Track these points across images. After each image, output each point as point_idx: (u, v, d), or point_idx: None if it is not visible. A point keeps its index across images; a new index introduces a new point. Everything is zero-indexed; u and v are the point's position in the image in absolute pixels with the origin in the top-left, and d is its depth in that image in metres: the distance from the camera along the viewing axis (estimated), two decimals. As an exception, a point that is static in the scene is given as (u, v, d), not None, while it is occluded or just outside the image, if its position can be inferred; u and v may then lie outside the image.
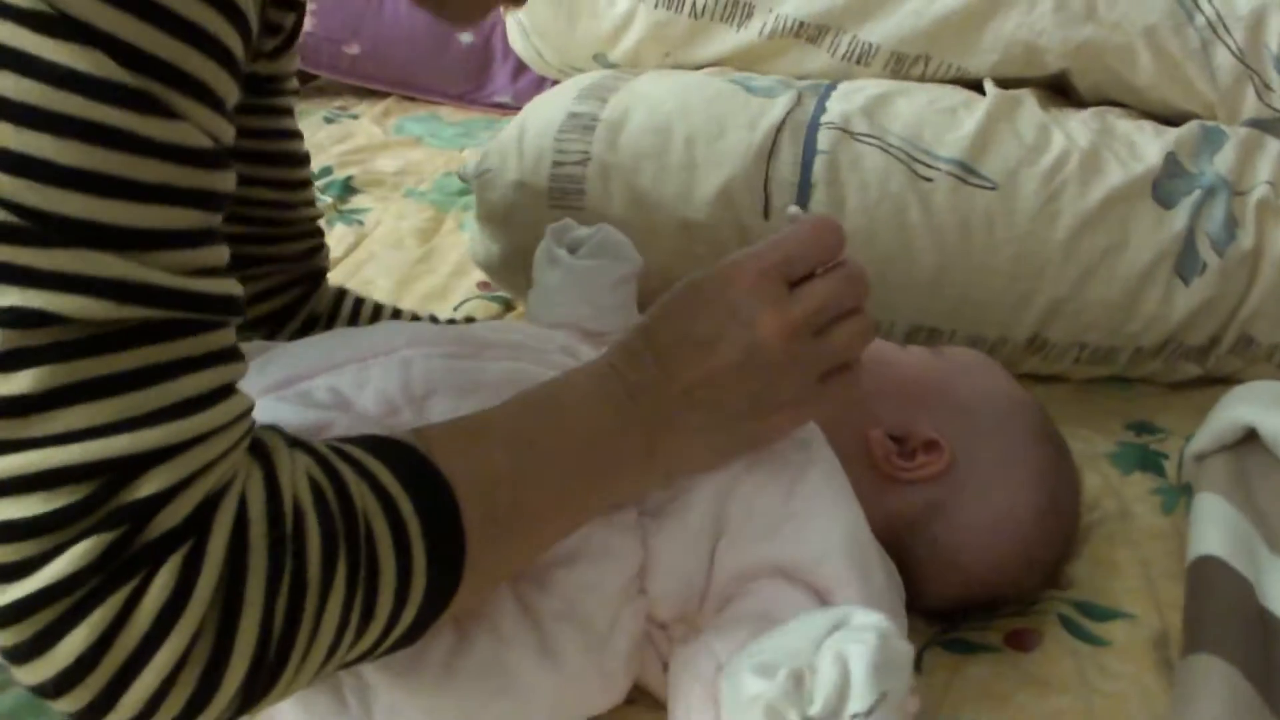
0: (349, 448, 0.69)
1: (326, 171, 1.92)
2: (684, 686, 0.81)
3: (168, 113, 0.58)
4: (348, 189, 1.87)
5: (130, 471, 0.58)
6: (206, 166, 0.61)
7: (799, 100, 1.33)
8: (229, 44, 0.61)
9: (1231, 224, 1.24)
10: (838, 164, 1.27)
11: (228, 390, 0.63)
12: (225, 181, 0.63)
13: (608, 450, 0.80)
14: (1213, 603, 0.92)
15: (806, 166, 1.28)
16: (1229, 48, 1.34)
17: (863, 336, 0.84)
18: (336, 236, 1.71)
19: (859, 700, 0.67)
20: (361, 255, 1.68)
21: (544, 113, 1.38)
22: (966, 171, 1.27)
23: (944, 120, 1.30)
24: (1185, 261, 1.25)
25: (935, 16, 1.42)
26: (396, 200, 1.84)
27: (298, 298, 1.14)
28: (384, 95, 2.26)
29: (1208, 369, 1.31)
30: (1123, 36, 1.37)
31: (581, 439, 0.80)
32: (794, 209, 0.89)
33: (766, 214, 1.28)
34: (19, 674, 0.60)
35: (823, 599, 0.82)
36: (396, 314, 1.21)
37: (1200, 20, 1.35)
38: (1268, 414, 1.09)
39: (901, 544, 0.93)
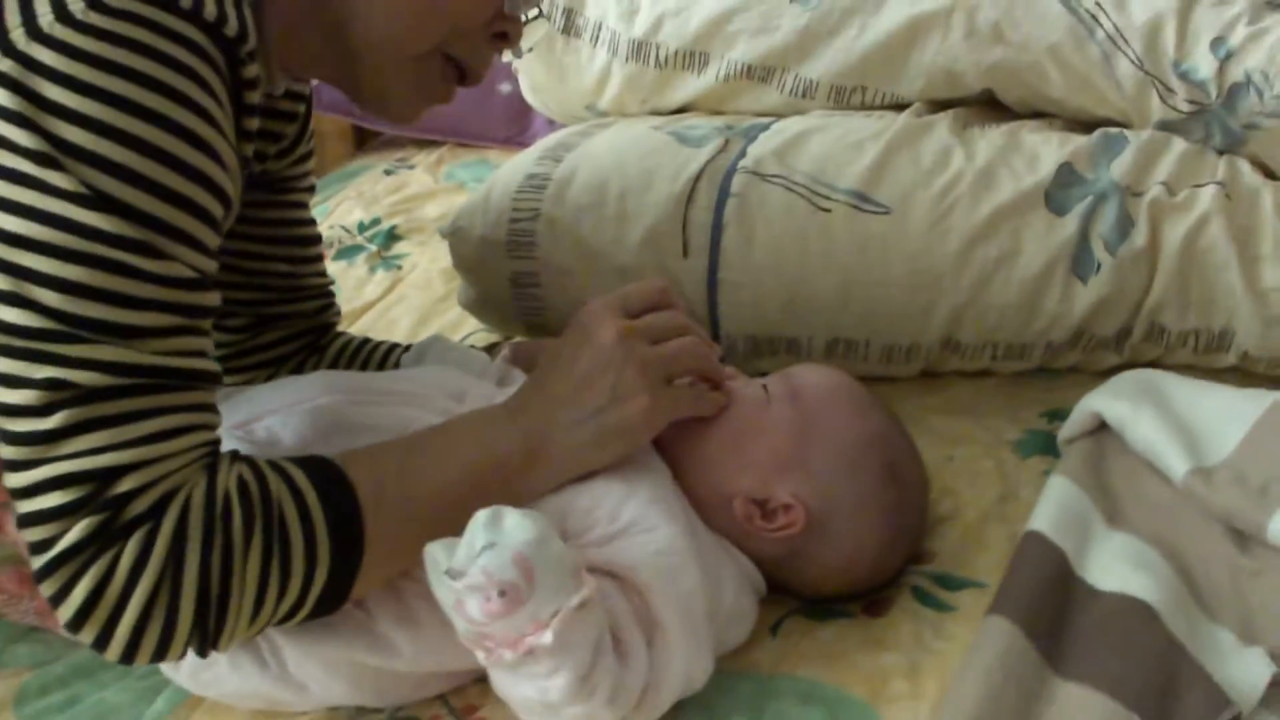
0: (282, 461, 0.96)
1: (375, 222, 2.12)
2: None
3: (161, 255, 0.88)
4: (391, 237, 2.07)
5: (112, 477, 0.86)
6: (188, 289, 0.91)
7: (724, 147, 1.52)
8: (211, 209, 0.92)
9: (1125, 224, 1.38)
10: (747, 204, 1.44)
11: (188, 429, 0.91)
12: (206, 298, 0.93)
13: (488, 456, 1.03)
14: (1020, 573, 1.07)
15: (719, 209, 1.45)
16: (1129, 58, 1.50)
17: (692, 350, 1.08)
18: (376, 281, 1.93)
19: (471, 545, 0.88)
20: (393, 298, 1.87)
21: (508, 174, 1.59)
22: (862, 200, 1.43)
23: (848, 154, 1.47)
24: (1080, 262, 1.38)
25: (862, 51, 1.62)
26: (434, 243, 1.98)
27: (306, 344, 1.40)
28: (440, 144, 2.46)
29: (1126, 358, 1.42)
30: (1030, 56, 1.54)
31: (464, 447, 1.03)
32: None
33: (685, 253, 1.45)
34: (57, 614, 0.89)
35: (641, 595, 0.99)
36: (405, 348, 1.40)
37: (1100, 34, 1.51)
38: (1115, 403, 1.25)
39: (767, 570, 1.10)
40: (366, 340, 1.42)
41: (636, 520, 1.03)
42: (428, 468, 1.01)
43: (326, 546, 0.93)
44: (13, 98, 0.85)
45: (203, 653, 0.92)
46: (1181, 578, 1.09)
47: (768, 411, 1.11)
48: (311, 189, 1.39)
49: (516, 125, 2.35)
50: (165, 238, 0.89)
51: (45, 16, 0.86)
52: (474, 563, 0.86)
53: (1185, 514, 1.17)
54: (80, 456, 0.86)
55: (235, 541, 0.89)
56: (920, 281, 1.41)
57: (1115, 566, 1.09)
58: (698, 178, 1.48)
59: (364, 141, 2.66)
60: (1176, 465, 1.18)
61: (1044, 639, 1.00)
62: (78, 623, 0.88)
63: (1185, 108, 1.49)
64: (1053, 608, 1.04)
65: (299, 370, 1.40)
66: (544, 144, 1.64)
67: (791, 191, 1.45)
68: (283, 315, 1.38)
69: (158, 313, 0.89)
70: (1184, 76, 1.49)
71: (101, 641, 0.89)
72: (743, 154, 1.50)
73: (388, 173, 2.38)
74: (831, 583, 1.12)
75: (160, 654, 0.90)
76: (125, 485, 0.87)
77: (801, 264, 1.42)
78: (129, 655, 0.89)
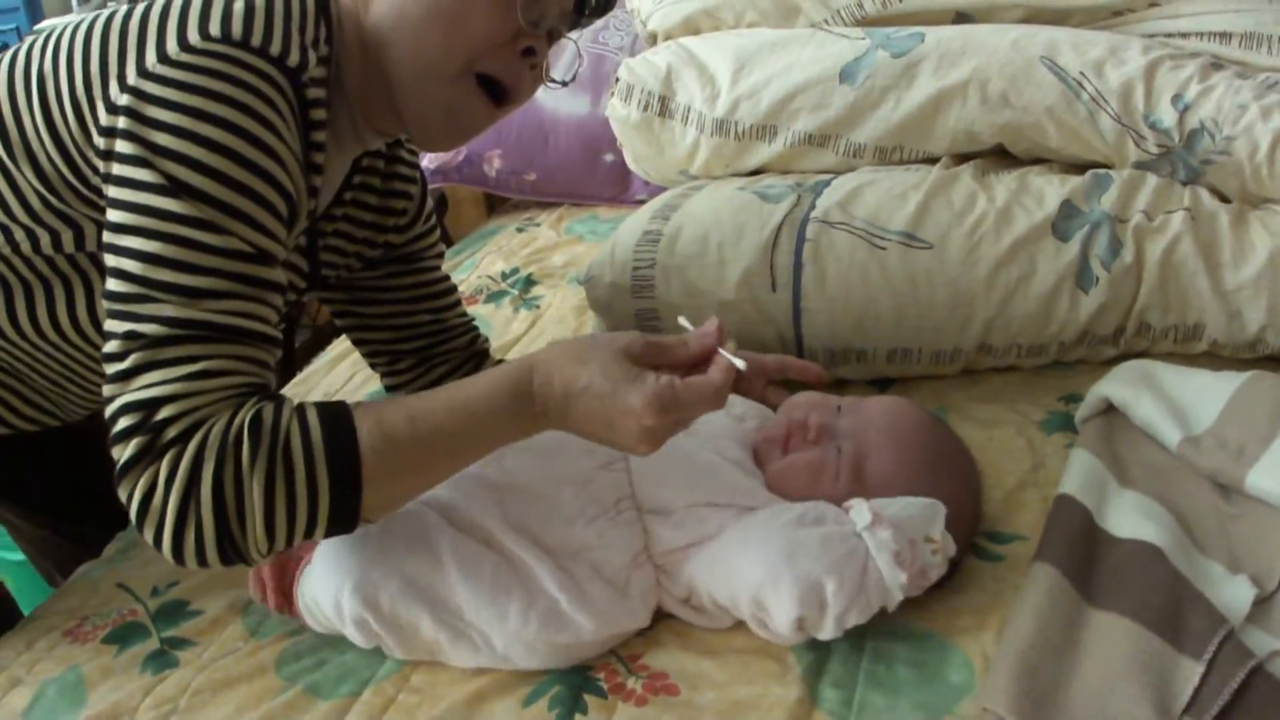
0: (306, 403, 0.94)
1: (514, 271, 2.12)
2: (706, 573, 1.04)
3: (221, 230, 0.92)
4: (529, 282, 2.06)
5: (156, 406, 0.90)
6: (245, 261, 0.94)
7: (798, 201, 1.53)
8: (268, 198, 0.95)
9: (1115, 245, 1.41)
10: (819, 247, 1.46)
11: (226, 373, 0.92)
12: (265, 272, 0.96)
13: (488, 422, 0.97)
14: (1055, 527, 1.10)
15: (798, 252, 1.46)
16: (1109, 114, 1.52)
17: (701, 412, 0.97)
18: (520, 319, 1.92)
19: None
20: (536, 331, 1.86)
21: (627, 232, 1.61)
22: (909, 239, 1.45)
23: (896, 202, 1.48)
24: (1082, 277, 1.41)
25: (899, 120, 1.64)
26: (563, 286, 2.02)
27: (469, 372, 1.39)
28: (558, 205, 2.45)
29: (1121, 350, 1.44)
30: (1031, 116, 1.57)
31: (465, 415, 0.96)
32: (682, 319, 1.06)
33: (774, 289, 1.47)
34: (130, 516, 0.91)
35: None
36: None
37: (1085, 96, 1.53)
38: (1119, 388, 1.27)
39: None
40: None
41: (768, 498, 1.08)
42: (433, 432, 0.96)
43: (325, 479, 0.91)
44: (128, 121, 0.93)
45: (238, 560, 0.92)
46: (1180, 524, 1.10)
47: (837, 484, 1.10)
48: (440, 255, 1.39)
49: (619, 187, 2.36)
50: (226, 215, 0.93)
51: (150, 58, 0.95)
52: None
53: (1180, 474, 1.18)
54: (139, 390, 0.90)
55: (243, 465, 0.89)
56: (959, 300, 1.43)
57: (1129, 518, 1.10)
58: (779, 228, 1.50)
59: (493, 207, 2.65)
60: (1170, 435, 1.20)
61: (1078, 578, 1.03)
62: (139, 523, 0.91)
63: (1155, 150, 1.52)
64: (1083, 553, 1.06)
65: None
66: (652, 206, 1.66)
67: (853, 235, 1.47)
68: (442, 354, 1.40)
69: (216, 278, 0.92)
70: (1153, 126, 1.51)
71: (156, 542, 0.91)
72: (812, 206, 1.52)
73: (519, 230, 2.39)
74: None
75: (200, 557, 0.91)
76: (164, 413, 0.89)
77: (865, 291, 1.45)
78: (177, 556, 0.91)
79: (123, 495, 0.91)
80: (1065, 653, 0.95)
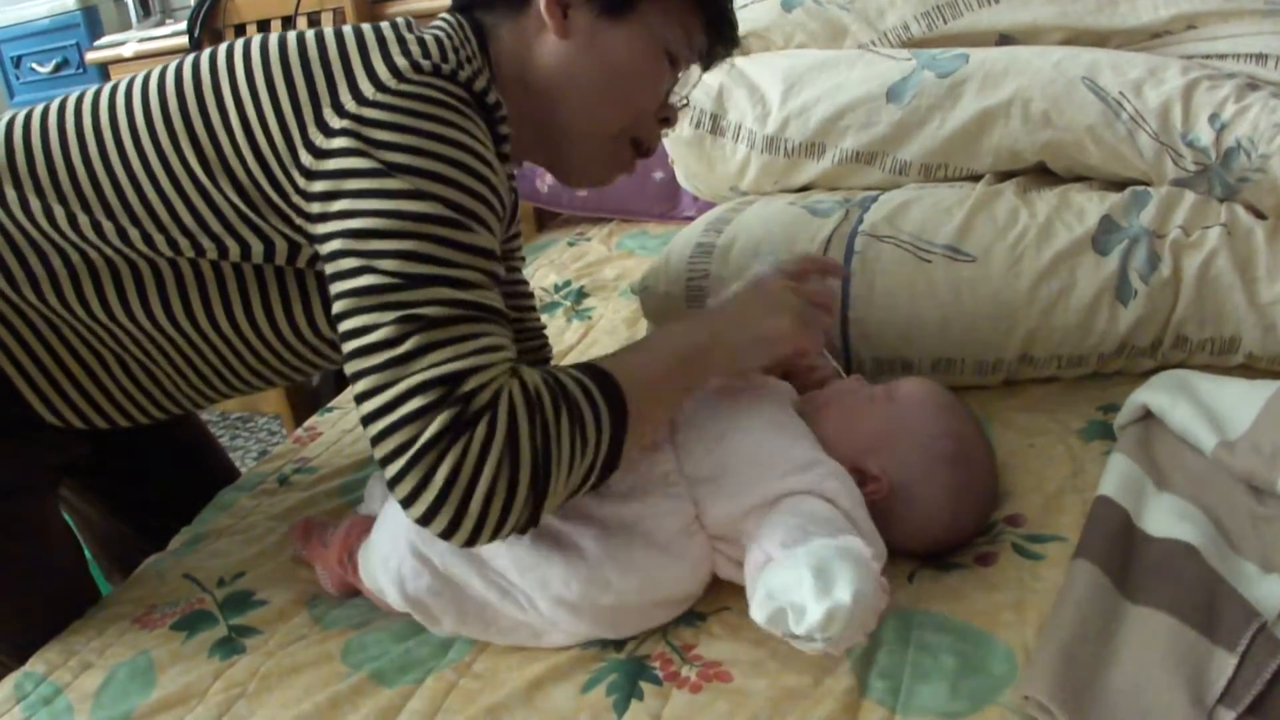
0: (562, 366, 1.04)
1: (567, 284, 2.15)
2: (749, 575, 1.03)
3: (467, 229, 1.01)
4: (581, 294, 2.11)
5: (459, 380, 0.95)
6: (487, 257, 1.03)
7: (846, 216, 1.57)
8: (492, 201, 1.05)
9: (1154, 259, 1.43)
10: (867, 259, 1.50)
11: (501, 347, 1.00)
12: (497, 267, 1.05)
13: (687, 344, 1.12)
14: (1094, 526, 1.12)
15: (847, 263, 1.51)
16: (1148, 132, 1.55)
17: (823, 296, 1.24)
18: (573, 329, 1.96)
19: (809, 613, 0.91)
20: (588, 341, 1.91)
21: (681, 244, 1.65)
22: (954, 252, 1.48)
23: (941, 217, 1.52)
24: (1121, 290, 1.43)
25: (944, 138, 1.68)
26: (614, 298, 2.06)
27: None
28: (609, 220, 2.50)
29: (1159, 361, 1.46)
30: (1073, 135, 1.60)
31: (673, 340, 1.14)
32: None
33: None
34: (409, 513, 0.95)
35: (830, 501, 1.07)
36: None
37: (1125, 115, 1.56)
38: (1156, 396, 1.30)
39: None
40: None
41: (812, 456, 1.12)
42: (652, 357, 1.11)
43: (607, 416, 1.01)
44: (351, 141, 1.02)
45: (532, 522, 0.98)
46: (1215, 525, 1.12)
47: (872, 407, 1.20)
48: (523, 258, 1.50)
49: (668, 203, 2.40)
50: (468, 217, 1.01)
51: (368, 89, 1.04)
52: (821, 635, 0.90)
53: (1215, 477, 1.20)
54: (434, 367, 0.95)
55: (549, 418, 0.97)
56: (1001, 312, 1.45)
57: (1165, 519, 1.12)
58: (828, 241, 1.54)
59: (543, 221, 2.70)
60: (1206, 441, 1.22)
61: (1117, 575, 1.05)
62: (435, 507, 0.94)
63: (1192, 168, 1.54)
64: (1121, 551, 1.08)
65: None
66: (706, 219, 1.70)
67: (900, 248, 1.50)
68: None
69: (473, 271, 1.00)
70: (1190, 144, 1.53)
71: (455, 522, 0.95)
72: (860, 220, 1.55)
73: (570, 244, 2.43)
74: (915, 539, 1.17)
75: (500, 526, 0.96)
76: (469, 385, 0.95)
77: (911, 303, 1.48)
78: (477, 530, 0.95)
79: (413, 481, 0.95)
80: (1103, 644, 0.98)
